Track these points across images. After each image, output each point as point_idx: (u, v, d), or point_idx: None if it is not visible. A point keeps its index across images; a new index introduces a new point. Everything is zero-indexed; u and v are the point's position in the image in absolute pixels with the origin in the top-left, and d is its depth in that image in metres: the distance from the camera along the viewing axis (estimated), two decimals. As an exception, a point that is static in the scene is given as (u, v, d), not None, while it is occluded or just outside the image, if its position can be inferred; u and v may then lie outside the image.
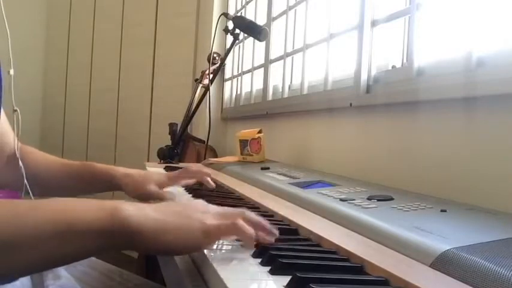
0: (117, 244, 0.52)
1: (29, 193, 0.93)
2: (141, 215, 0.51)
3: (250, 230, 0.55)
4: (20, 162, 0.90)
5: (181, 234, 0.52)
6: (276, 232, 0.58)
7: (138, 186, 0.96)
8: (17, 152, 0.91)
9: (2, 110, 0.92)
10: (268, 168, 1.28)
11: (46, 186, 0.99)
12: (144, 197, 0.95)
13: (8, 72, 0.88)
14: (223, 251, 0.58)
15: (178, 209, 0.55)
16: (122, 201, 0.52)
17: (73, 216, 0.50)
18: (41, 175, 0.98)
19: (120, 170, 0.98)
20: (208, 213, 0.56)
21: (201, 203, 0.62)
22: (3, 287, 0.75)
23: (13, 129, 0.94)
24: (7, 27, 0.88)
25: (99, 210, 0.50)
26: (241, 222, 0.55)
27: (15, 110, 0.91)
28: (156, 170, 1.49)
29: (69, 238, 0.49)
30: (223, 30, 1.92)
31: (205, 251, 0.55)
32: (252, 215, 0.58)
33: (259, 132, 1.52)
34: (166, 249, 0.54)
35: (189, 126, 2.13)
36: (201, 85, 2.26)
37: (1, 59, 0.86)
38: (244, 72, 2.26)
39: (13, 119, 0.92)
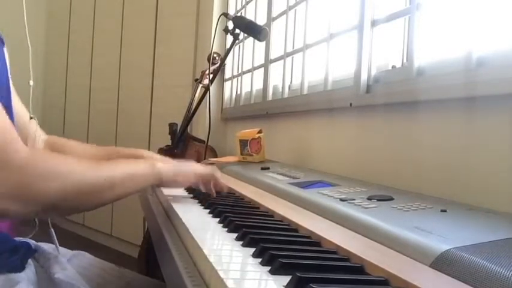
0: (155, 182, 0.87)
1: None
2: (166, 167, 0.89)
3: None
4: None
5: (185, 175, 0.93)
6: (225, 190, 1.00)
7: None
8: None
9: (19, 102, 0.99)
10: (268, 168, 1.28)
11: None
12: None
13: (28, 82, 0.91)
14: (223, 251, 0.58)
15: (184, 164, 0.96)
16: (155, 159, 0.96)
17: (134, 170, 0.84)
18: None
19: (145, 152, 1.19)
20: (199, 168, 0.97)
21: (195, 164, 1.00)
22: (12, 277, 0.76)
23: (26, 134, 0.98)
24: (29, 42, 0.90)
25: (146, 165, 0.87)
26: (218, 173, 0.99)
27: (32, 117, 0.95)
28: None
29: (132, 181, 0.82)
30: (223, 30, 1.92)
31: (204, 250, 0.55)
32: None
33: (259, 132, 1.52)
34: (178, 183, 0.94)
35: (189, 126, 2.13)
36: (201, 85, 2.26)
37: (19, 69, 0.89)
38: (244, 72, 2.26)
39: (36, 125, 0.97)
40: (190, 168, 0.95)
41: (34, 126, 1.01)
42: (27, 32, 0.89)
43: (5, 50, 0.87)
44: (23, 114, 0.98)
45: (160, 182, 0.88)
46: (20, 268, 0.81)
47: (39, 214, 0.76)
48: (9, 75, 0.86)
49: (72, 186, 0.70)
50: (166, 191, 1.07)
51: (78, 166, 0.73)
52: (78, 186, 0.71)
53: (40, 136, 1.06)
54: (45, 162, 0.69)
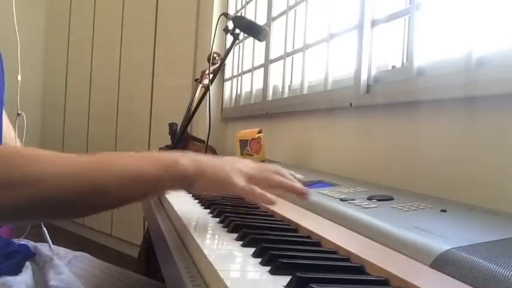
0: (176, 185, 0.66)
1: None
2: (195, 163, 0.65)
3: (276, 179, 0.72)
4: None
5: (223, 179, 0.66)
6: (308, 192, 0.73)
7: None
8: None
9: (6, 118, 0.92)
10: (268, 168, 1.28)
11: None
12: None
13: (16, 77, 0.89)
14: (223, 251, 0.58)
15: (226, 161, 0.69)
16: (179, 153, 0.66)
17: (143, 169, 0.62)
18: None
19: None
20: (246, 166, 0.70)
21: (245, 160, 0.74)
22: (6, 281, 0.75)
23: (15, 131, 0.94)
24: (17, 33, 0.88)
25: (163, 162, 0.64)
26: (267, 175, 0.71)
27: (19, 114, 0.92)
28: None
29: (141, 184, 0.62)
30: (223, 30, 1.92)
31: (204, 250, 0.55)
32: (284, 171, 0.74)
33: (259, 132, 1.52)
34: (208, 191, 0.74)
35: (189, 126, 2.13)
36: (201, 85, 2.26)
37: (8, 64, 0.87)
38: (244, 72, 2.26)
39: (16, 123, 0.93)
40: (239, 165, 0.69)
41: (16, 129, 0.94)
42: (15, 24, 0.87)
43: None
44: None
45: (188, 186, 0.66)
46: (16, 272, 0.80)
47: (9, 223, 0.69)
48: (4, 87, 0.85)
49: (40, 197, 0.56)
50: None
51: (53, 169, 0.58)
52: (48, 197, 0.57)
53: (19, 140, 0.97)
54: (11, 169, 0.55)
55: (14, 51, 0.89)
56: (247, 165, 0.70)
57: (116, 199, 0.62)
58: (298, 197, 0.73)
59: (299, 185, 0.72)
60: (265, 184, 0.70)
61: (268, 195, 0.68)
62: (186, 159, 0.64)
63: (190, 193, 1.03)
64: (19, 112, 0.92)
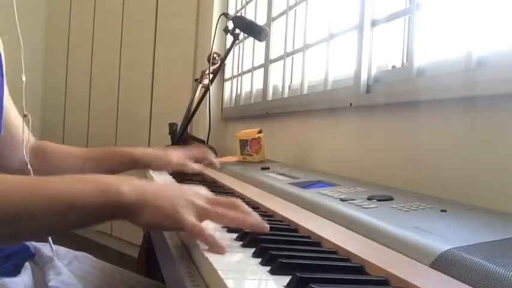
0: (112, 217, 0.59)
1: None
2: (136, 192, 0.57)
3: (230, 214, 0.60)
4: (29, 165, 0.89)
5: (169, 211, 0.57)
6: (267, 226, 0.61)
7: (158, 157, 1.11)
8: (26, 156, 0.91)
9: (15, 109, 0.93)
10: (268, 168, 1.28)
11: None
12: (164, 166, 1.13)
13: (21, 78, 0.89)
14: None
15: (174, 188, 0.62)
16: (119, 178, 0.58)
17: (74, 196, 0.55)
18: (65, 168, 1.03)
19: (138, 150, 1.08)
20: (201, 197, 0.61)
21: (198, 188, 0.65)
22: (4, 282, 0.75)
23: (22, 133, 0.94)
24: (20, 34, 0.88)
25: (97, 191, 0.56)
26: (222, 211, 0.60)
27: (26, 115, 0.92)
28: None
29: (70, 213, 0.55)
30: (223, 30, 1.92)
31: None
32: (244, 206, 0.62)
33: (259, 132, 1.52)
34: (153, 220, 0.58)
35: (189, 126, 2.13)
36: (201, 85, 2.26)
37: (12, 65, 0.87)
38: (244, 72, 2.26)
39: (22, 124, 0.93)
40: (189, 196, 0.60)
41: (25, 128, 0.93)
42: (18, 25, 0.87)
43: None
44: (13, 116, 0.93)
45: (130, 217, 0.57)
46: (15, 273, 0.80)
47: None
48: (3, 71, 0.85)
49: None
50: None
51: None
52: None
53: (30, 139, 0.97)
54: None
55: (16, 52, 0.89)
56: (199, 195, 0.61)
57: (42, 228, 0.56)
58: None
59: (257, 220, 0.61)
60: (218, 219, 0.61)
61: (219, 241, 0.56)
62: (127, 185, 0.56)
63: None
64: (25, 113, 0.92)
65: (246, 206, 0.63)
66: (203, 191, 0.64)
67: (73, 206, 0.55)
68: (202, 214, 0.59)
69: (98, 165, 1.04)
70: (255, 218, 0.61)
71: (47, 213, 0.54)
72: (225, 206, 0.61)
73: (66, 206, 0.54)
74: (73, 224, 0.58)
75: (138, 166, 1.10)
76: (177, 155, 1.13)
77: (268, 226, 0.61)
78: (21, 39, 0.88)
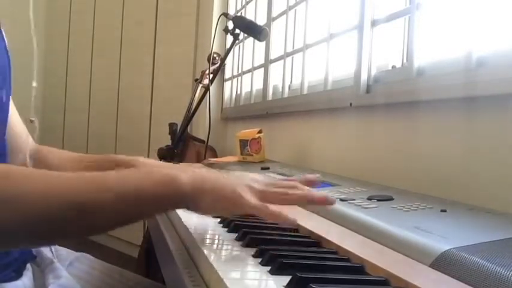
0: (170, 207, 0.62)
1: None
2: (195, 180, 0.57)
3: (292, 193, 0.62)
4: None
5: (228, 200, 0.58)
6: (334, 199, 0.64)
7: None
8: (27, 159, 0.91)
9: (15, 110, 0.92)
10: (268, 168, 1.28)
11: None
12: None
13: (31, 84, 0.88)
14: (223, 251, 0.58)
15: (231, 176, 0.63)
16: (179, 167, 0.60)
17: (142, 186, 0.56)
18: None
19: (141, 159, 0.99)
20: (259, 181, 0.62)
21: (255, 175, 0.67)
22: (5, 286, 0.75)
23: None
24: (35, 44, 0.87)
25: (159, 182, 0.57)
26: (282, 190, 0.62)
27: (32, 121, 0.90)
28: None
29: (139, 204, 0.56)
30: (223, 30, 1.92)
31: (204, 250, 0.55)
32: (303, 187, 0.64)
33: (259, 132, 1.52)
34: (214, 211, 0.63)
35: (189, 126, 2.13)
36: (201, 85, 2.26)
37: (21, 71, 0.86)
38: (244, 72, 2.26)
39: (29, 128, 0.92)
40: (247, 181, 0.61)
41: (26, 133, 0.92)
42: (33, 35, 0.87)
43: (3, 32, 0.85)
44: (15, 120, 0.92)
45: (190, 205, 0.58)
46: (17, 277, 0.79)
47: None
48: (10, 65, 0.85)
49: (23, 219, 0.51)
50: None
51: (35, 188, 0.52)
52: (25, 217, 0.51)
53: (30, 143, 0.97)
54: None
55: (28, 57, 0.89)
56: (257, 180, 0.63)
57: (110, 220, 0.56)
58: (324, 205, 0.66)
59: (320, 194, 0.64)
60: (280, 200, 0.61)
61: (283, 214, 0.58)
62: (185, 175, 0.57)
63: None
64: (31, 119, 0.91)
65: (305, 187, 0.64)
66: (260, 177, 0.65)
67: (141, 197, 0.55)
68: (262, 198, 0.60)
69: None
70: (318, 192, 0.64)
71: (118, 205, 0.54)
72: (284, 188, 0.62)
73: (135, 197, 0.55)
74: (140, 214, 0.60)
75: None
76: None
77: (334, 199, 0.64)
78: (35, 46, 0.88)
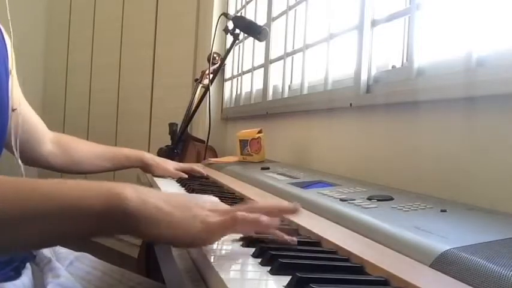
0: (113, 228, 0.51)
1: None
2: (140, 202, 0.49)
3: (251, 216, 0.54)
4: (20, 161, 0.90)
5: (180, 230, 0.51)
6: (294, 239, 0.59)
7: (160, 166, 1.30)
8: (15, 152, 0.91)
9: (27, 103, 1.03)
10: (268, 168, 1.28)
11: (87, 169, 1.27)
12: (165, 175, 1.29)
13: (10, 72, 0.89)
14: (223, 251, 0.58)
15: (183, 201, 0.54)
16: (124, 184, 0.51)
17: (70, 201, 0.49)
18: (84, 161, 1.26)
19: (147, 154, 1.29)
20: (213, 210, 0.55)
21: (208, 198, 0.63)
22: (4, 286, 0.75)
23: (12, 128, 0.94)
24: (11, 29, 0.89)
25: (97, 195, 0.49)
26: (241, 214, 0.54)
27: (14, 110, 0.93)
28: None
29: (66, 220, 0.49)
30: (223, 30, 1.92)
31: (204, 250, 0.55)
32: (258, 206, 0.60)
33: (259, 132, 1.52)
34: (164, 241, 0.53)
35: (189, 126, 2.13)
36: (201, 85, 2.26)
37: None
38: (244, 72, 2.26)
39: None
40: (199, 215, 0.53)
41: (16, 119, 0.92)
42: (10, 23, 0.88)
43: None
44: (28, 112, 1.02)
45: (126, 230, 0.50)
46: (15, 277, 0.79)
47: None
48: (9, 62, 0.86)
49: None
50: (163, 187, 1.07)
51: None
52: None
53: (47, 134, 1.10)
54: None
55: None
56: (212, 206, 0.55)
57: (32, 235, 0.49)
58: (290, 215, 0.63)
59: (287, 204, 0.63)
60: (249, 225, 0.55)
61: (263, 217, 0.55)
62: (130, 190, 0.49)
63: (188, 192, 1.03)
64: (13, 108, 0.93)
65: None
66: (214, 199, 0.62)
67: (66, 210, 0.49)
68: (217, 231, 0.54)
69: (112, 162, 1.26)
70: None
71: (38, 218, 0.48)
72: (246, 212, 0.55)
73: (59, 210, 0.48)
74: (66, 233, 0.51)
75: (145, 168, 1.30)
76: (173, 165, 1.34)
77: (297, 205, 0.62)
78: (11, 35, 0.89)
